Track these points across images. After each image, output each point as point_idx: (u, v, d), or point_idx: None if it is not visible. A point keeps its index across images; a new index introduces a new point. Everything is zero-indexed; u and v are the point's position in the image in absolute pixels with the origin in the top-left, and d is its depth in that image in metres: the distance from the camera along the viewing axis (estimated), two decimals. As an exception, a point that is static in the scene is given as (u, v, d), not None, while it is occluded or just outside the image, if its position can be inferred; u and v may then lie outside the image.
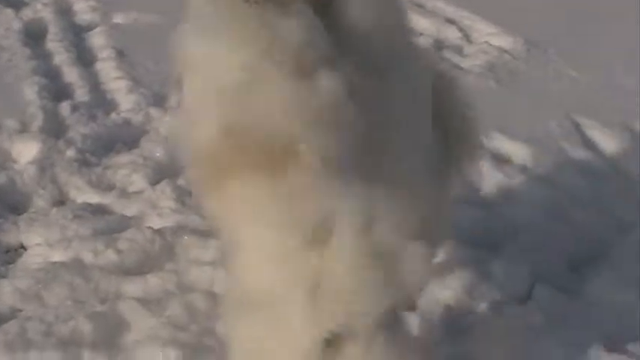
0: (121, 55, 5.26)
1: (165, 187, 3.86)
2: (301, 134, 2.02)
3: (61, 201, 3.89)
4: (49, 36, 5.41)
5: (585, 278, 3.37)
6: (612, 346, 2.99)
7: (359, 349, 2.24)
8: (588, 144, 4.42)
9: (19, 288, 3.26)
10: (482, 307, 3.18)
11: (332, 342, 2.22)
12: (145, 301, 3.15)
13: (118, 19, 5.85)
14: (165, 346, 2.94)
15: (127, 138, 4.34)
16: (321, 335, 2.22)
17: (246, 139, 2.04)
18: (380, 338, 2.22)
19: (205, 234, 3.48)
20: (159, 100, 4.66)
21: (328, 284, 2.18)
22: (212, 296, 3.16)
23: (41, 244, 3.58)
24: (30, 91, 4.67)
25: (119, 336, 3.02)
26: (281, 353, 2.23)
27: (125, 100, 4.71)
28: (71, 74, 4.96)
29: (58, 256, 3.49)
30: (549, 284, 3.31)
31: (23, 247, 3.61)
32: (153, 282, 3.28)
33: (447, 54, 5.56)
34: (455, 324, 3.09)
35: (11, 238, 3.64)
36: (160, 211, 3.72)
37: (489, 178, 3.96)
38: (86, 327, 3.01)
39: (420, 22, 5.94)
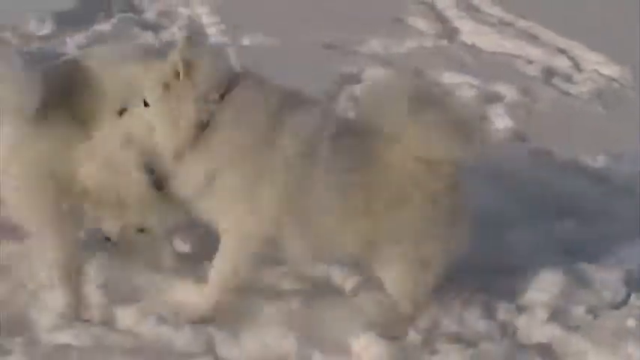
0: (249, 73, 5.64)
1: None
2: None
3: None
4: (185, 55, 5.82)
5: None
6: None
7: None
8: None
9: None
10: (580, 310, 3.41)
11: None
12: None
13: (246, 40, 6.25)
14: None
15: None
16: None
17: None
18: None
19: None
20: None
21: None
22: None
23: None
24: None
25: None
26: None
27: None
28: (205, 90, 5.35)
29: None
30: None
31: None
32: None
33: (557, 81, 5.78)
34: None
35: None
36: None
37: (589, 194, 4.19)
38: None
39: (532, 52, 6.21)
